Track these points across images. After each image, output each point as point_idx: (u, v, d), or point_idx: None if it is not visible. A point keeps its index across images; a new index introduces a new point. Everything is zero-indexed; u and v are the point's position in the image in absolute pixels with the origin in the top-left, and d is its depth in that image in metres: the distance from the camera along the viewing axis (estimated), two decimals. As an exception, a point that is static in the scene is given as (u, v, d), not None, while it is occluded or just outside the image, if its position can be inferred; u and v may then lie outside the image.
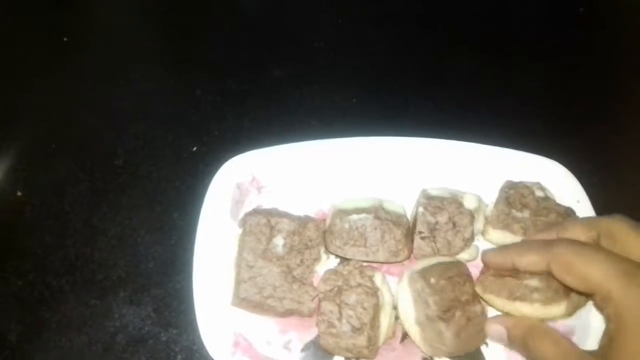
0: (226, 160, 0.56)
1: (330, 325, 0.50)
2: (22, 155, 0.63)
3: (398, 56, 0.70)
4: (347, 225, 0.54)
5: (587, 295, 0.45)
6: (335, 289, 0.51)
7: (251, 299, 0.52)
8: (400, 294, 0.52)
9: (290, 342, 0.53)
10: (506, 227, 0.55)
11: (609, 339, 0.41)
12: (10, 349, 0.53)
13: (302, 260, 0.54)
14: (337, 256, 0.55)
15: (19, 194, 0.60)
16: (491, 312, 0.52)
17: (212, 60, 0.69)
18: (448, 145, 0.59)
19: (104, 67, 0.69)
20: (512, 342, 0.49)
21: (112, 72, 0.68)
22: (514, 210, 0.56)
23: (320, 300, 0.51)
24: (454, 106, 0.66)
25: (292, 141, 0.58)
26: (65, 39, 0.70)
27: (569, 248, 0.44)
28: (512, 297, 0.49)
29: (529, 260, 0.47)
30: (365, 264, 0.54)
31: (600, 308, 0.43)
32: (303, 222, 0.55)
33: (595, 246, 0.46)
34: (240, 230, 0.55)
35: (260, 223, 0.54)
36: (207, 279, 0.53)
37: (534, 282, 0.49)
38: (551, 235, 0.50)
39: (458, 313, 0.50)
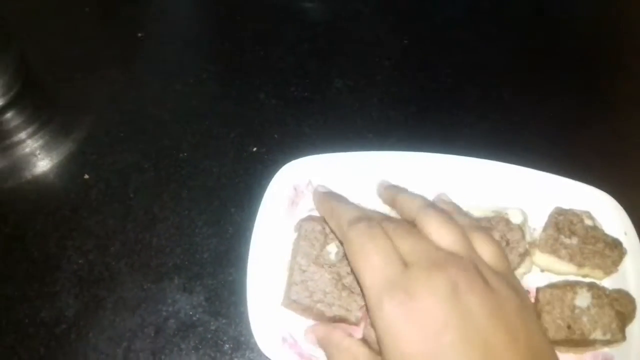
0: (284, 162, 0.58)
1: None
2: (92, 140, 0.66)
3: (458, 77, 0.72)
4: None
5: None
6: None
7: (301, 302, 0.53)
8: None
9: (334, 343, 0.55)
10: (554, 252, 0.57)
11: None
12: (67, 324, 0.55)
13: (352, 270, 0.55)
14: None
15: (86, 176, 0.63)
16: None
17: (277, 67, 0.72)
18: (500, 168, 0.60)
19: (175, 66, 0.72)
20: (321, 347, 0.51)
21: (183, 70, 0.71)
22: (562, 236, 0.57)
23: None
24: (510, 130, 0.67)
25: (348, 150, 0.60)
26: (139, 35, 0.74)
27: (357, 234, 0.44)
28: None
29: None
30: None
31: None
32: None
33: (381, 237, 0.42)
34: (295, 234, 0.57)
35: (315, 229, 0.56)
36: (261, 274, 0.55)
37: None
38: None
39: None
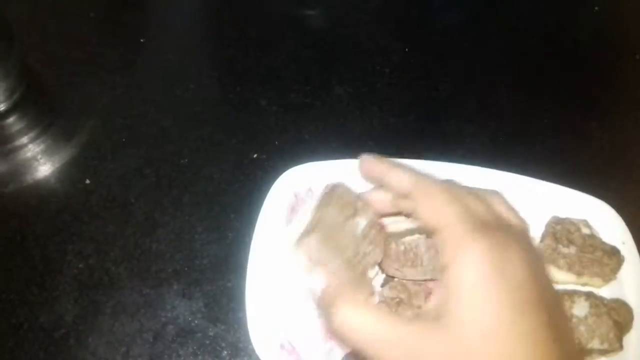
0: (284, 169, 0.59)
1: None
2: (94, 145, 0.66)
3: (457, 85, 0.72)
4: (402, 248, 0.55)
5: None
6: (397, 299, 0.53)
7: (320, 250, 0.46)
8: None
9: (332, 350, 0.54)
10: (552, 261, 0.57)
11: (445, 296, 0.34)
12: (66, 328, 0.56)
13: (369, 252, 0.53)
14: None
15: (88, 181, 0.63)
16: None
17: (278, 74, 0.72)
18: (497, 176, 0.60)
19: (177, 71, 0.72)
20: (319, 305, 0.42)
21: (185, 76, 0.71)
22: (560, 246, 0.57)
23: (379, 302, 0.53)
24: (509, 139, 0.68)
25: (349, 157, 0.60)
26: (142, 40, 0.74)
27: (427, 184, 0.40)
28: None
29: (398, 177, 0.42)
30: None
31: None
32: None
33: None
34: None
35: (347, 198, 0.48)
36: (260, 280, 0.55)
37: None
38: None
39: None
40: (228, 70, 0.73)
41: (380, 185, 0.46)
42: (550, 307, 0.34)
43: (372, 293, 0.53)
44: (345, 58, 0.74)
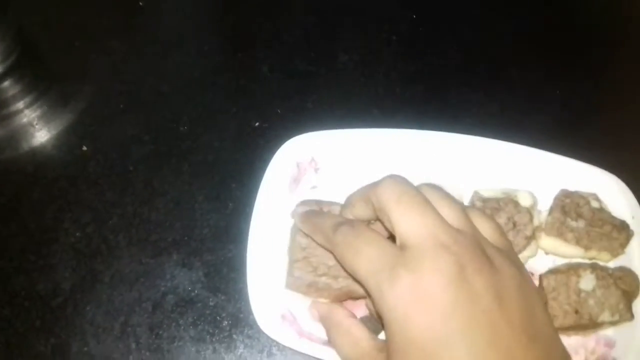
0: (286, 138, 0.57)
1: None
2: (91, 111, 0.64)
3: (468, 55, 0.70)
4: None
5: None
6: None
7: (305, 278, 0.52)
8: None
9: (334, 321, 0.54)
10: (560, 235, 0.55)
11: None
12: (63, 297, 0.55)
13: (347, 273, 0.54)
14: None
15: (85, 148, 0.62)
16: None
17: (281, 40, 0.70)
18: (505, 147, 0.59)
19: (177, 36, 0.70)
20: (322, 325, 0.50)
21: (185, 41, 0.69)
22: (569, 219, 0.56)
23: None
24: (518, 110, 0.66)
25: (353, 127, 0.59)
26: (140, 3, 0.72)
27: (343, 236, 0.41)
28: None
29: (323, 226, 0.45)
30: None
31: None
32: None
33: (368, 231, 0.40)
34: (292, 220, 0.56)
35: (317, 206, 0.54)
36: (261, 251, 0.54)
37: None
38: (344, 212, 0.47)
39: None
40: (229, 35, 0.71)
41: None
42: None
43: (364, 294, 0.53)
44: (351, 25, 0.72)
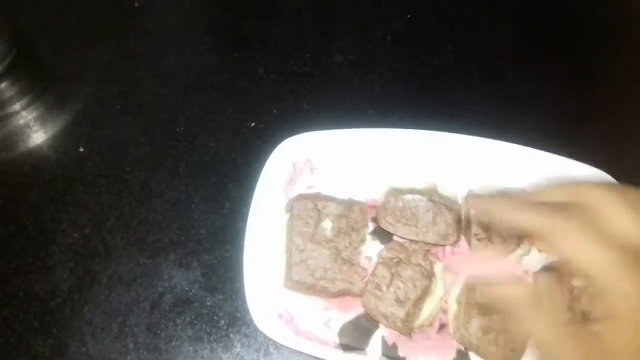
0: (282, 138, 0.58)
1: (378, 287, 0.52)
2: (87, 112, 0.65)
3: (462, 55, 0.70)
4: (400, 204, 0.55)
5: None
6: (396, 259, 0.54)
7: (304, 281, 0.53)
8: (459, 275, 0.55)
9: (330, 320, 0.54)
10: (553, 232, 0.56)
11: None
12: (62, 297, 0.55)
13: (349, 242, 0.55)
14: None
15: (81, 149, 0.62)
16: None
17: (276, 41, 0.70)
18: (498, 146, 0.59)
19: (173, 37, 0.70)
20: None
21: (181, 42, 0.69)
22: (560, 217, 0.56)
23: (377, 264, 0.54)
24: (513, 109, 0.66)
25: (348, 127, 0.59)
26: (136, 4, 0.72)
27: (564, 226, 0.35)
28: None
29: (520, 219, 0.38)
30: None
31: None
32: (348, 205, 0.56)
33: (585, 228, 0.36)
34: (287, 215, 0.57)
35: (307, 207, 0.56)
36: (257, 250, 0.54)
37: None
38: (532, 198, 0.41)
39: (497, 316, 0.51)
40: (225, 36, 0.71)
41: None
42: None
43: (364, 276, 0.54)
44: (346, 25, 0.72)
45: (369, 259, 0.56)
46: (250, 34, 0.71)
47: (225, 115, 0.65)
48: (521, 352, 0.51)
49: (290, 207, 0.56)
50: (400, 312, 0.51)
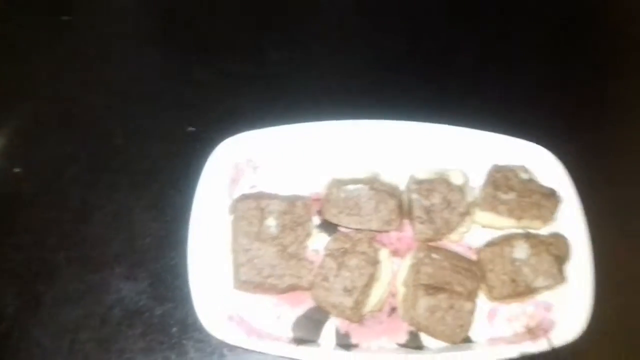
0: (223, 140, 0.57)
1: (325, 279, 0.53)
2: (20, 131, 0.63)
3: (401, 44, 0.71)
4: (343, 195, 0.56)
5: None
6: (342, 249, 0.54)
7: (252, 280, 0.54)
8: (406, 259, 0.56)
9: (282, 315, 0.55)
10: (493, 208, 0.57)
11: None
12: (8, 322, 0.54)
13: (295, 238, 0.55)
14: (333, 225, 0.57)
15: (17, 170, 0.61)
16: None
17: (211, 42, 0.70)
18: (436, 129, 0.60)
19: (104, 47, 0.69)
20: None
21: (112, 52, 0.69)
22: (499, 193, 0.57)
23: (324, 256, 0.54)
24: (453, 93, 0.67)
25: (288, 123, 0.59)
26: (64, 18, 0.71)
27: None
28: None
29: None
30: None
31: None
32: (291, 201, 0.57)
33: None
34: (231, 216, 0.57)
35: (250, 207, 0.56)
36: (202, 255, 0.54)
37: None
38: None
39: (443, 295, 0.52)
40: (156, 41, 0.71)
41: None
42: None
43: (312, 270, 0.55)
44: (282, 22, 0.72)
45: (317, 252, 0.57)
46: (183, 36, 0.71)
47: (162, 122, 0.64)
48: (468, 327, 0.52)
49: (234, 208, 0.56)
50: (348, 301, 0.52)
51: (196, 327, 0.54)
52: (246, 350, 0.52)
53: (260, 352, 0.52)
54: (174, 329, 0.54)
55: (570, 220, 0.57)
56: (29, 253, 0.57)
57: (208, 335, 0.52)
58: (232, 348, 0.53)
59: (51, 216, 0.59)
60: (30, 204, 0.59)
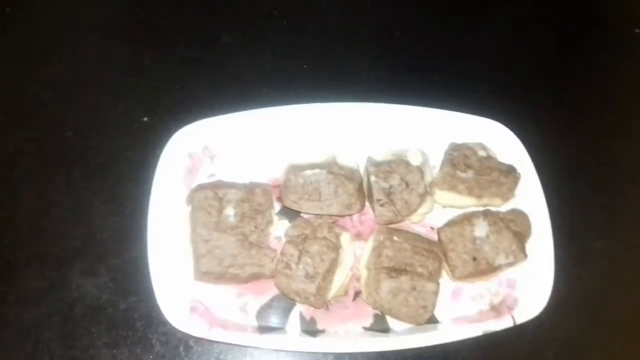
0: (178, 129, 0.56)
1: (287, 266, 0.53)
2: (-33, 129, 0.61)
3: (349, 23, 0.70)
4: (301, 180, 0.56)
5: None
6: (302, 236, 0.55)
7: (213, 271, 0.53)
8: (368, 242, 0.57)
9: (246, 305, 0.55)
10: (452, 187, 0.58)
11: None
12: (-31, 323, 0.54)
13: (255, 226, 0.55)
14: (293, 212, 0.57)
15: (-34, 169, 0.59)
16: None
17: (160, 28, 0.68)
18: (393, 110, 0.60)
19: (49, 38, 0.67)
20: None
21: (58, 42, 0.66)
22: (458, 172, 0.58)
23: (285, 243, 0.54)
24: (404, 70, 0.67)
25: (244, 109, 0.59)
26: (7, 10, 0.68)
27: None
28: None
29: None
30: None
31: None
32: (250, 188, 0.56)
33: None
34: (189, 207, 0.56)
35: (208, 197, 0.55)
36: (163, 247, 0.54)
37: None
38: None
39: (405, 277, 0.53)
40: (106, 30, 0.68)
41: None
42: None
43: (274, 258, 0.55)
44: (231, 5, 0.70)
45: (279, 239, 0.57)
46: (133, 24, 0.69)
47: (115, 113, 0.63)
48: (432, 308, 0.53)
49: (191, 199, 0.55)
50: (311, 287, 0.52)
51: (161, 320, 0.54)
52: (212, 341, 0.52)
53: (226, 343, 0.52)
54: (139, 323, 0.54)
55: (530, 196, 0.58)
56: (-15, 253, 0.56)
57: (173, 328, 0.52)
58: (198, 339, 0.54)
59: (6, 214, 0.57)
60: (-18, 203, 0.58)
